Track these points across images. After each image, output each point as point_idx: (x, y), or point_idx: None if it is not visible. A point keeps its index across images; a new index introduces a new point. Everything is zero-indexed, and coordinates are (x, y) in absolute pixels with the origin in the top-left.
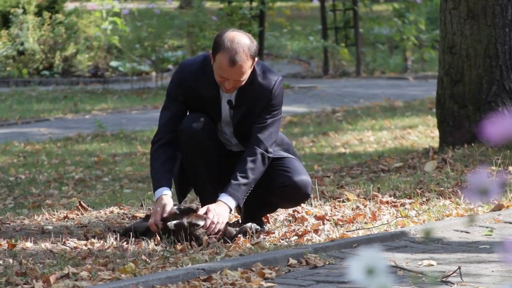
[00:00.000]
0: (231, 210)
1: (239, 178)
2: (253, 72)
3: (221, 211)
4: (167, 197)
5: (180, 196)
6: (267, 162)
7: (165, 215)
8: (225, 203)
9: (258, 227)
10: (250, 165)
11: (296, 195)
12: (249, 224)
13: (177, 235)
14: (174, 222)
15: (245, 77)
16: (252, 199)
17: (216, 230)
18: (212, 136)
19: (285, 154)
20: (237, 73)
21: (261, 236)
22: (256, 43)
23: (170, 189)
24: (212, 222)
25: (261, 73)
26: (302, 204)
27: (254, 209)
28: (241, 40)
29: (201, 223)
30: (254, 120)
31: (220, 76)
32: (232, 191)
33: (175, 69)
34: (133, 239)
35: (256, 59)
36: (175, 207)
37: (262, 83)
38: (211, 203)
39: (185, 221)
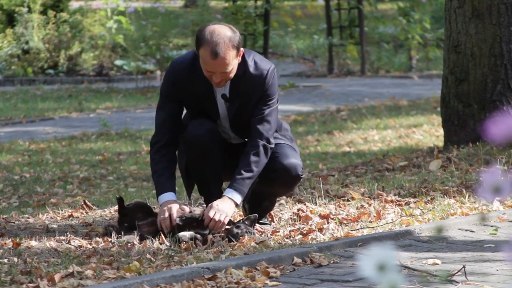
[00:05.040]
0: (237, 204)
1: (243, 172)
2: (245, 63)
3: (224, 207)
4: (174, 203)
5: (188, 187)
6: (270, 153)
7: (174, 223)
8: (230, 198)
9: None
10: (253, 158)
11: (286, 178)
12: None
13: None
14: (188, 235)
15: (231, 68)
16: (251, 196)
17: (216, 228)
18: (216, 139)
19: (277, 141)
20: (221, 65)
21: (265, 233)
22: (239, 33)
23: (175, 193)
24: (213, 220)
25: (253, 64)
26: (307, 203)
27: (255, 204)
28: (222, 32)
29: (207, 231)
30: (250, 112)
31: (206, 70)
32: (236, 186)
33: (167, 68)
34: (138, 237)
35: (242, 50)
36: (178, 218)
37: (254, 74)
38: None
39: (191, 231)
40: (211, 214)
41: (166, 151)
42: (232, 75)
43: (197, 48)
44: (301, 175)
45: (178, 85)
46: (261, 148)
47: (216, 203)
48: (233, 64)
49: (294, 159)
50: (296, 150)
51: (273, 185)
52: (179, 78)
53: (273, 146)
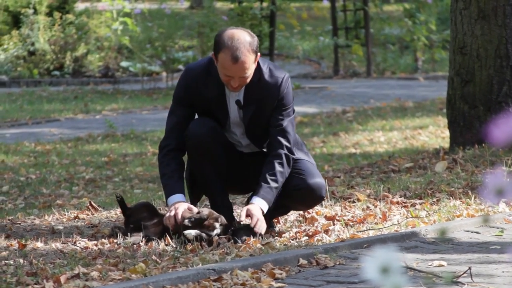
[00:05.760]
0: (263, 212)
1: (270, 181)
2: (259, 70)
3: (259, 213)
4: (181, 203)
5: (193, 198)
6: (292, 163)
7: (179, 221)
8: (259, 206)
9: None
10: (279, 168)
11: (310, 197)
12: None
13: (192, 241)
14: (193, 233)
15: (250, 73)
16: None
17: (261, 230)
18: (219, 139)
19: (297, 156)
20: (241, 69)
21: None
22: (257, 38)
23: (184, 195)
24: (259, 220)
25: (268, 71)
26: None
27: (267, 212)
28: (241, 36)
29: (214, 232)
30: (267, 120)
31: (225, 75)
32: (264, 194)
33: (181, 73)
34: (143, 238)
35: (259, 54)
36: (186, 220)
37: (269, 81)
38: (221, 206)
39: (198, 231)
40: (254, 219)
41: (175, 154)
42: (249, 79)
43: (216, 53)
44: (324, 197)
45: (190, 89)
46: (285, 158)
47: (254, 210)
48: (251, 69)
49: (319, 179)
50: (314, 166)
51: (293, 201)
52: (192, 82)
53: (294, 156)
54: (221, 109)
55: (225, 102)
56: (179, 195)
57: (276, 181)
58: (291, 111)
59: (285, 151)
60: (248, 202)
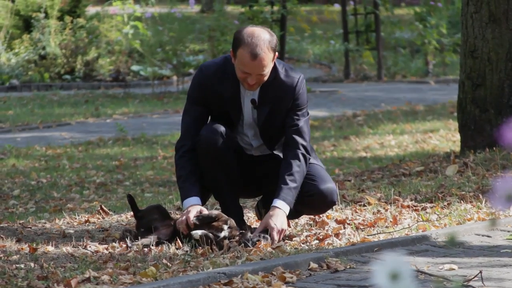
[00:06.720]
0: (285, 213)
1: (288, 182)
2: (275, 70)
3: (282, 223)
4: (195, 207)
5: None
6: (308, 163)
7: (192, 226)
8: (280, 208)
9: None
10: (296, 168)
11: (322, 203)
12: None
13: (200, 242)
14: (200, 232)
15: (267, 71)
16: None
17: (281, 238)
18: (230, 144)
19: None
20: (259, 67)
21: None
22: (276, 36)
23: (200, 198)
24: (279, 239)
25: (283, 71)
26: None
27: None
28: (261, 34)
29: (222, 234)
30: (281, 121)
31: (242, 71)
32: (285, 196)
33: (195, 72)
34: (154, 242)
35: (277, 54)
36: (194, 218)
37: (285, 80)
38: (232, 210)
39: (206, 231)
40: (276, 237)
41: (191, 155)
42: (266, 78)
43: (235, 49)
44: (336, 202)
45: (204, 88)
46: (302, 158)
47: (274, 223)
48: (269, 67)
49: (331, 184)
50: (324, 170)
51: (306, 207)
52: (206, 81)
53: (311, 156)
54: (235, 109)
55: (240, 101)
56: (195, 198)
57: (294, 181)
58: (306, 112)
59: (302, 150)
60: (258, 205)
